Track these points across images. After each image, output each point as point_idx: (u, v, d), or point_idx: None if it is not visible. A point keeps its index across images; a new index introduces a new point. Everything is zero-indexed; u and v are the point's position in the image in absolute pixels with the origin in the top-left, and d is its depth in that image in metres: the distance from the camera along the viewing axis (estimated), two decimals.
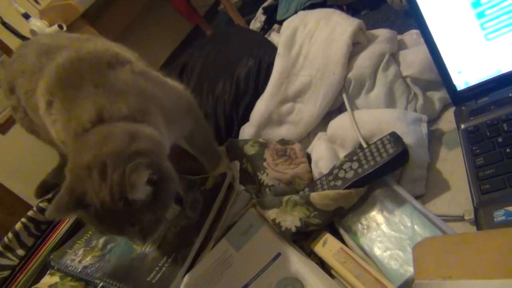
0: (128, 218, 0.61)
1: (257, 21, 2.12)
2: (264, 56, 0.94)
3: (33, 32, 2.35)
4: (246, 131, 0.93)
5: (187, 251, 0.75)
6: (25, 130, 0.88)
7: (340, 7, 1.70)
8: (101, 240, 0.89)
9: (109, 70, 0.68)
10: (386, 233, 0.64)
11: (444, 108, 0.79)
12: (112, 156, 0.60)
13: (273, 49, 0.94)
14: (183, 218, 0.81)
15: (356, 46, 0.85)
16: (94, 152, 0.60)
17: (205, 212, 0.79)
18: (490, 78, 0.71)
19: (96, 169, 0.59)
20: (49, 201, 1.08)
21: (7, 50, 2.37)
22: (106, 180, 0.58)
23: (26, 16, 2.35)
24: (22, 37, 2.41)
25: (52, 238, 1.04)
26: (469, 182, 0.63)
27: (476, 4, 0.68)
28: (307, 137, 0.89)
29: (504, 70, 0.70)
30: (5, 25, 2.37)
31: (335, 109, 0.87)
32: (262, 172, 0.80)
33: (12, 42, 2.41)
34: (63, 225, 1.07)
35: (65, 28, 2.30)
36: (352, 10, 1.70)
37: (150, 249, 0.80)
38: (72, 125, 0.65)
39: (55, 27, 2.30)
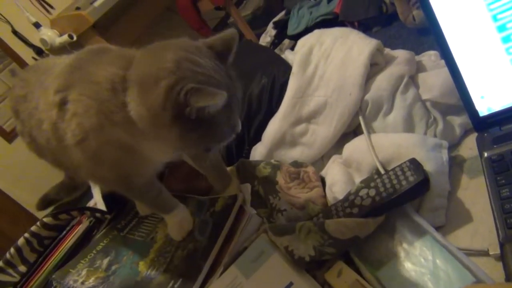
0: None
1: (267, 36, 2.11)
2: (278, 74, 0.92)
3: (43, 41, 2.36)
4: (258, 152, 0.90)
5: (194, 276, 0.72)
6: (34, 153, 0.86)
7: (351, 24, 1.68)
8: (106, 261, 0.86)
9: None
10: (406, 266, 0.61)
11: (465, 134, 0.76)
12: None
13: (287, 67, 0.91)
14: (191, 241, 0.79)
15: (373, 67, 0.83)
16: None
17: (214, 235, 0.76)
18: None
19: None
20: (53, 216, 1.06)
21: (17, 59, 2.38)
22: None
23: (37, 25, 2.37)
24: (33, 46, 2.42)
25: (56, 255, 1.02)
26: (493, 214, 0.60)
27: (501, 28, 0.65)
28: (321, 160, 0.86)
29: None
30: (16, 34, 2.38)
31: (350, 132, 0.84)
32: (274, 195, 0.77)
33: (23, 50, 2.42)
34: (68, 240, 1.05)
35: (75, 38, 2.31)
36: (363, 27, 1.68)
37: (156, 272, 0.77)
38: (105, 86, 0.62)
39: (66, 36, 2.31)
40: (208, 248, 0.74)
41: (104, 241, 0.92)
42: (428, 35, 1.07)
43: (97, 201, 1.14)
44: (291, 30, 1.95)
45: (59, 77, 0.68)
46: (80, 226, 1.06)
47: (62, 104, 0.66)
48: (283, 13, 2.13)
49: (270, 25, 2.13)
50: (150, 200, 0.79)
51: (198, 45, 0.63)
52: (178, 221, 0.79)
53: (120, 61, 0.64)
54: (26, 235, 1.01)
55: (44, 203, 1.12)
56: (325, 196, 0.77)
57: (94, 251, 0.90)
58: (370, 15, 1.65)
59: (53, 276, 0.90)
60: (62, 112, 0.66)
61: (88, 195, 1.19)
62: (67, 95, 0.66)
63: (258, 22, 2.58)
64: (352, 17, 1.72)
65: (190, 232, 0.79)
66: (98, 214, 1.06)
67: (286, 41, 1.97)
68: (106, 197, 1.07)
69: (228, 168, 0.87)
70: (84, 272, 0.86)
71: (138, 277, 0.78)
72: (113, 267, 0.84)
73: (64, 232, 1.07)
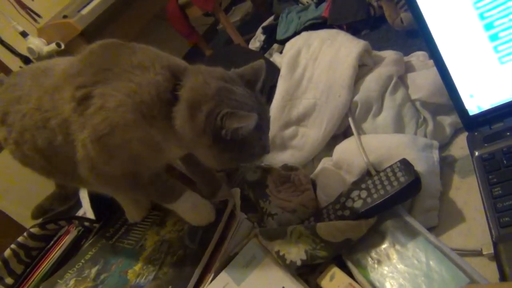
0: None
1: (257, 41, 2.11)
2: (266, 77, 0.91)
3: (30, 50, 2.34)
4: None
5: (185, 283, 0.70)
6: (18, 162, 0.84)
7: (340, 27, 1.68)
8: (94, 270, 0.84)
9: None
10: (399, 268, 0.60)
11: (455, 133, 0.75)
12: None
13: (275, 70, 0.91)
14: (181, 247, 0.77)
15: (362, 68, 0.82)
16: None
17: (204, 241, 0.74)
18: (505, 103, 0.68)
19: None
20: (40, 226, 1.04)
21: (4, 69, 2.35)
22: None
23: (24, 34, 2.34)
24: (20, 55, 2.39)
25: (43, 266, 1.00)
26: (486, 214, 0.59)
27: (489, 27, 0.65)
28: (311, 163, 0.85)
29: None
30: (3, 43, 2.35)
31: (340, 134, 0.84)
32: (264, 199, 0.76)
33: (10, 60, 2.39)
34: (55, 251, 1.03)
35: (63, 46, 2.29)
36: (352, 30, 1.68)
37: (145, 280, 0.75)
38: (148, 90, 0.65)
39: (53, 45, 2.29)
40: (198, 254, 0.73)
41: (93, 250, 0.90)
42: (416, 38, 1.07)
43: (86, 209, 1.12)
44: (280, 34, 1.95)
45: (80, 76, 0.69)
46: (68, 235, 1.04)
47: (83, 99, 0.67)
48: (271, 18, 2.12)
49: (259, 30, 2.12)
50: (156, 190, 0.77)
51: (232, 75, 0.70)
52: (192, 205, 0.77)
53: (165, 72, 0.67)
54: (13, 246, 0.99)
55: (39, 212, 1.11)
56: (316, 199, 0.76)
57: (82, 261, 0.88)
58: (358, 18, 1.65)
59: (40, 287, 0.88)
60: (82, 107, 0.67)
61: (78, 205, 1.18)
62: (92, 90, 0.66)
63: (247, 28, 2.57)
64: (341, 21, 1.72)
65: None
66: (86, 223, 1.04)
67: (275, 46, 1.96)
68: (94, 206, 1.05)
69: (219, 173, 0.86)
70: (72, 282, 0.84)
71: (127, 286, 0.76)
72: (102, 276, 0.82)
73: (52, 242, 1.05)
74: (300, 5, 2.00)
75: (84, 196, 1.13)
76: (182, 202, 0.76)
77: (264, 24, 2.12)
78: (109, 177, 0.72)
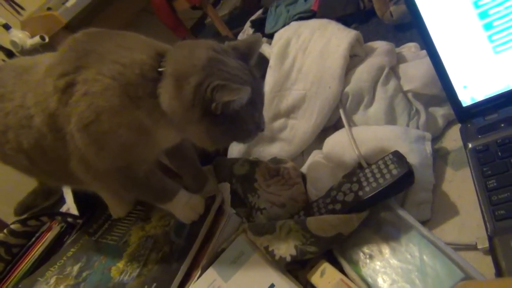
0: None
1: (245, 34, 2.08)
2: (255, 68, 0.88)
3: (13, 43, 2.28)
4: (235, 149, 0.87)
5: (170, 280, 0.68)
6: None
7: None
8: (76, 267, 0.82)
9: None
10: (392, 263, 0.58)
11: (448, 125, 0.74)
12: None
13: (264, 61, 0.88)
14: (167, 243, 0.75)
15: (353, 59, 0.80)
16: None
17: (191, 237, 0.72)
18: (499, 94, 0.66)
19: None
20: (21, 222, 1.01)
21: None
22: None
23: (7, 26, 2.28)
24: (3, 49, 2.33)
25: (24, 263, 0.97)
26: (480, 207, 0.57)
27: (483, 15, 0.64)
28: (301, 156, 0.83)
29: None
30: None
31: (330, 126, 0.82)
32: (253, 194, 0.74)
33: None
34: (37, 248, 0.99)
35: (47, 39, 2.24)
36: (341, 24, 1.67)
37: (129, 277, 0.73)
38: (132, 70, 0.62)
39: (37, 38, 2.23)
40: (185, 250, 0.71)
41: (75, 247, 0.87)
42: (406, 31, 1.06)
43: (70, 205, 1.09)
44: (268, 28, 1.93)
45: (61, 64, 0.66)
46: (50, 232, 1.01)
47: (67, 88, 0.64)
48: (260, 11, 2.10)
49: (248, 24, 2.10)
50: (153, 188, 0.74)
51: (224, 47, 0.66)
52: (185, 203, 0.75)
53: (148, 50, 0.64)
54: None
55: (22, 209, 1.10)
56: (306, 193, 0.74)
57: (64, 258, 0.86)
58: (348, 12, 1.64)
59: (20, 286, 0.85)
60: (67, 96, 0.64)
61: (62, 201, 1.15)
62: (76, 77, 0.63)
63: (235, 22, 2.54)
64: (330, 14, 1.70)
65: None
66: (69, 219, 1.01)
67: (264, 40, 1.94)
68: (78, 201, 1.02)
69: (205, 167, 0.84)
70: (53, 280, 0.82)
71: (110, 283, 0.74)
72: (84, 274, 0.79)
73: (34, 239, 1.02)
74: None
75: (68, 191, 1.10)
76: (176, 201, 0.74)
77: (253, 17, 2.10)
78: (102, 173, 0.68)
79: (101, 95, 0.62)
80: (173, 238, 0.75)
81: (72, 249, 0.87)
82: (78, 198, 1.02)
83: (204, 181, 0.81)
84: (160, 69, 0.62)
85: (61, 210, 1.12)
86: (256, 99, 0.65)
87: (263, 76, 0.85)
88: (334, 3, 1.66)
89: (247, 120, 0.65)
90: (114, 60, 0.63)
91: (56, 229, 1.01)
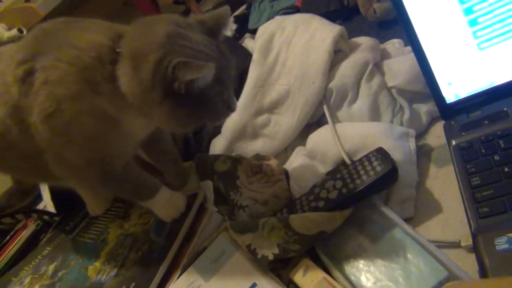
0: None
1: (228, 30, 2.06)
2: (237, 62, 0.87)
3: None
4: (218, 145, 0.85)
5: (149, 280, 0.66)
6: None
7: None
8: (51, 266, 0.79)
9: None
10: (375, 261, 0.57)
11: (432, 122, 0.73)
12: None
13: (247, 55, 0.87)
14: (146, 241, 0.73)
15: (337, 54, 0.79)
16: None
17: (171, 235, 0.70)
18: (483, 91, 0.66)
19: None
20: None
21: None
22: None
23: None
24: None
25: None
26: (464, 204, 0.57)
27: (468, 11, 0.63)
28: (284, 152, 0.82)
29: (497, 82, 0.65)
30: None
31: (314, 122, 0.81)
32: (235, 191, 0.72)
33: None
34: (12, 246, 0.96)
35: (25, 32, 2.18)
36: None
37: (107, 277, 0.71)
38: (88, 53, 0.58)
39: (15, 31, 2.17)
40: (165, 249, 0.69)
41: (51, 245, 0.84)
42: (389, 28, 1.05)
43: (47, 202, 1.06)
44: (252, 24, 1.91)
45: (20, 51, 0.62)
46: (25, 230, 0.98)
47: (27, 76, 0.60)
48: (244, 7, 2.08)
49: (231, 19, 2.08)
50: (133, 185, 0.70)
51: (189, 21, 0.61)
52: (166, 200, 0.72)
53: (107, 31, 0.60)
54: None
55: None
56: (289, 190, 0.73)
57: (39, 257, 0.83)
58: (331, 8, 1.63)
59: None
60: (27, 86, 0.60)
61: (38, 198, 1.11)
62: (34, 64, 0.59)
63: None
64: (314, 11, 1.70)
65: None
66: (46, 217, 0.98)
67: (248, 35, 1.92)
68: (55, 198, 0.99)
69: (186, 163, 0.82)
70: (27, 280, 0.79)
71: (87, 283, 0.72)
72: (60, 273, 0.76)
73: (8, 237, 0.99)
74: None
75: (45, 188, 1.07)
76: (158, 199, 0.71)
77: (236, 13, 2.08)
78: (76, 168, 0.65)
79: (59, 83, 0.58)
80: (153, 237, 0.73)
81: (48, 248, 0.84)
82: (56, 195, 0.99)
83: (186, 177, 0.79)
84: (118, 50, 0.58)
85: (37, 207, 1.09)
86: (224, 77, 0.61)
87: (246, 70, 0.84)
88: None
89: (214, 100, 0.61)
90: (71, 44, 0.59)
91: (31, 227, 0.98)
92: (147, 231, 0.74)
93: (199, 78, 0.55)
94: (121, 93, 0.58)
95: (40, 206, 1.09)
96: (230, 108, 0.64)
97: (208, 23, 0.62)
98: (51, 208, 1.01)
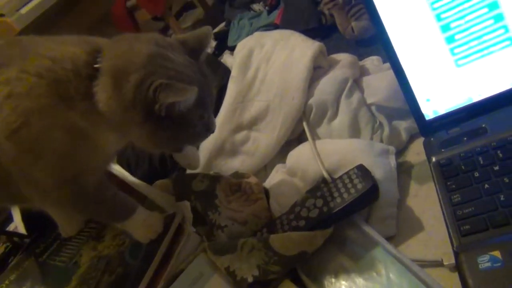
0: None
1: (208, 47, 2.06)
2: (216, 78, 0.86)
3: None
4: None
5: None
6: None
7: None
8: None
9: None
10: (357, 282, 0.56)
11: (411, 139, 0.73)
12: None
13: (226, 71, 0.86)
14: (120, 264, 0.70)
15: (317, 71, 0.79)
16: None
17: (148, 258, 0.67)
18: (461, 107, 0.66)
19: None
20: None
21: None
22: None
23: None
24: None
25: None
26: (446, 222, 0.56)
27: (445, 28, 0.63)
28: (264, 170, 0.80)
29: (475, 98, 0.65)
30: None
31: (294, 139, 0.80)
32: (213, 211, 0.70)
33: None
34: None
35: None
36: None
37: None
38: (63, 65, 0.55)
39: None
40: (141, 272, 0.66)
41: (19, 269, 0.80)
42: (367, 46, 1.06)
43: (17, 223, 1.02)
44: (231, 41, 1.91)
45: None
46: None
47: None
48: (223, 24, 2.09)
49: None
50: (108, 205, 0.67)
51: (170, 40, 0.61)
52: (142, 221, 0.69)
53: (84, 45, 0.58)
54: None
55: None
56: (269, 208, 0.72)
57: (6, 282, 0.79)
58: (310, 26, 1.65)
59: None
60: None
61: (9, 219, 1.07)
62: None
63: None
64: (293, 28, 1.71)
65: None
66: (16, 238, 0.94)
67: (227, 52, 1.93)
68: (26, 219, 0.95)
69: (163, 181, 0.79)
70: None
71: None
72: None
73: None
74: (252, 12, 1.99)
75: (15, 208, 1.03)
76: (134, 219, 0.68)
77: (215, 30, 2.08)
78: (45, 188, 0.61)
79: (27, 96, 0.55)
80: (128, 259, 0.70)
81: (16, 272, 0.80)
82: (27, 215, 0.95)
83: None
84: (96, 65, 0.56)
85: (7, 228, 1.04)
86: (205, 99, 0.60)
87: (224, 86, 0.83)
88: (297, 17, 1.67)
89: (194, 122, 0.60)
90: (41, 55, 0.56)
91: None
92: (122, 253, 0.71)
93: (180, 102, 0.55)
94: (97, 110, 0.56)
95: (11, 227, 1.04)
96: (210, 130, 0.64)
97: (190, 43, 0.62)
98: (22, 229, 0.96)
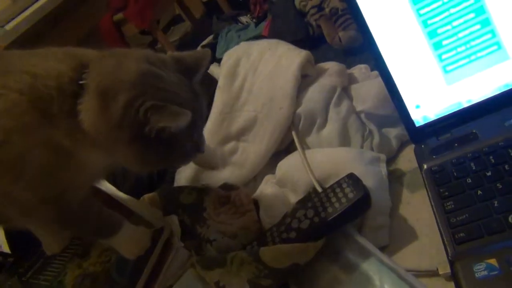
0: None
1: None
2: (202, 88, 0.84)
3: None
4: (183, 175, 0.81)
5: None
6: None
7: None
8: None
9: None
10: None
11: (402, 146, 0.72)
12: None
13: (212, 81, 0.85)
14: (107, 281, 0.67)
15: (305, 79, 0.78)
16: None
17: (135, 274, 0.66)
18: (451, 113, 0.66)
19: None
20: None
21: None
22: None
23: None
24: None
25: None
26: (440, 230, 0.55)
27: (432, 34, 0.63)
28: (253, 181, 0.79)
29: (465, 104, 0.65)
30: None
31: (283, 149, 0.78)
32: (202, 224, 0.68)
33: None
34: None
35: None
36: None
37: None
38: (45, 82, 0.53)
39: None
40: None
41: None
42: (355, 55, 1.06)
43: (1, 242, 0.99)
44: (220, 53, 1.91)
45: None
46: None
47: None
48: (211, 37, 2.09)
49: (199, 49, 2.08)
50: (93, 222, 0.66)
51: (164, 58, 0.59)
52: (130, 236, 0.67)
53: (69, 60, 0.56)
54: None
55: None
56: (259, 221, 0.70)
57: None
58: (298, 37, 1.65)
59: None
60: None
61: None
62: None
63: (186, 47, 2.49)
64: (281, 39, 1.72)
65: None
66: None
67: (214, 64, 1.92)
68: (10, 237, 0.92)
69: (150, 195, 0.77)
70: None
71: None
72: None
73: None
74: (239, 24, 1.99)
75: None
76: (121, 235, 0.66)
77: (204, 43, 2.08)
78: (28, 207, 0.60)
79: (7, 114, 0.53)
80: (114, 276, 0.68)
81: None
82: (10, 234, 0.92)
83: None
84: (81, 82, 0.55)
85: None
86: (196, 120, 0.59)
87: (211, 97, 0.81)
88: (284, 29, 1.67)
89: (185, 143, 0.59)
90: (23, 70, 0.55)
91: None
92: (108, 270, 0.69)
93: (172, 126, 0.53)
94: (81, 129, 0.55)
95: None
96: (199, 150, 0.63)
97: (187, 62, 0.61)
98: (5, 247, 0.93)
